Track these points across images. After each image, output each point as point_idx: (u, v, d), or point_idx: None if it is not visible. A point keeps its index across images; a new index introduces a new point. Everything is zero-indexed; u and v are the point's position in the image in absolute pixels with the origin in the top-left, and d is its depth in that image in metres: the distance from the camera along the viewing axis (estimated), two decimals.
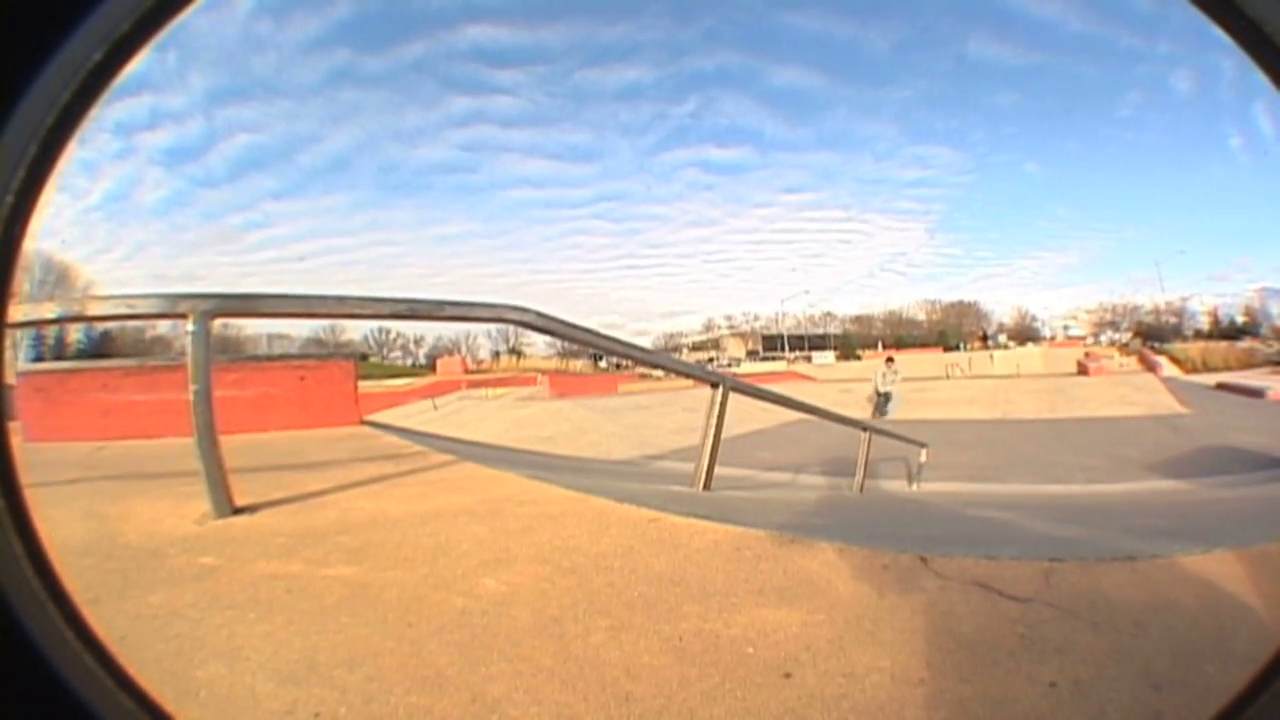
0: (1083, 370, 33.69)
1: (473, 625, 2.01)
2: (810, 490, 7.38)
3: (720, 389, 4.29)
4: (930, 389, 23.82)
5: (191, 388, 3.18)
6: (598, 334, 4.59)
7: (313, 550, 2.66)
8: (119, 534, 2.99)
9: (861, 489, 7.13)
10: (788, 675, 1.69)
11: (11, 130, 0.78)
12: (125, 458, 5.35)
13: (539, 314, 3.95)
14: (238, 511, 3.19)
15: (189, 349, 3.21)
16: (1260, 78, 0.84)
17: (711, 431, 4.20)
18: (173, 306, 3.34)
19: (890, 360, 19.40)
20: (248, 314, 3.78)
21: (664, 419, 15.68)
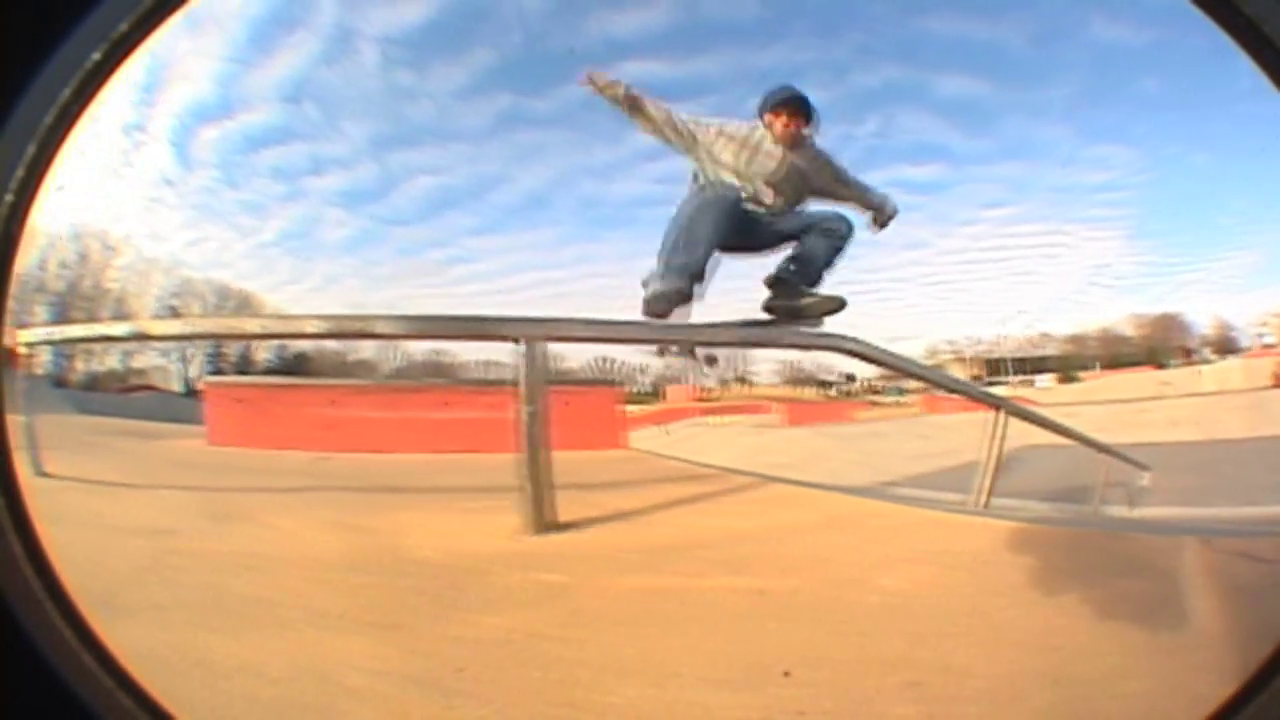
0: (1278, 383, 30.71)
1: (901, 613, 2.12)
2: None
3: (1000, 411, 4.39)
4: (1147, 410, 22.50)
5: (525, 409, 3.20)
6: (910, 361, 4.84)
7: (678, 564, 2.60)
8: (399, 548, 2.79)
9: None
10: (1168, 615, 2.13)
11: (10, 129, 0.80)
12: (356, 471, 4.74)
13: (857, 340, 4.03)
14: (557, 529, 3.04)
15: (521, 372, 3.26)
16: (1258, 76, 0.85)
17: (993, 452, 4.28)
18: (498, 329, 3.37)
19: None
20: (571, 339, 3.67)
21: (899, 445, 13.37)
